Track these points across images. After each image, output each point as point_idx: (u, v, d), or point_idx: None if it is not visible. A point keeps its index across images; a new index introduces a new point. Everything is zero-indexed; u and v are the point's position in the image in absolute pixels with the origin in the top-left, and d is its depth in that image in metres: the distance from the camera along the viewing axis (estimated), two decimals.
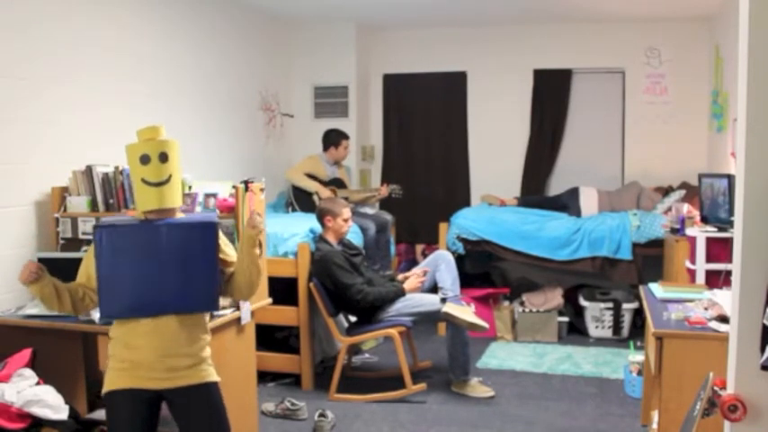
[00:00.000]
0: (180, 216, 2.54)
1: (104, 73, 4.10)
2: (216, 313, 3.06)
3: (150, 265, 2.41)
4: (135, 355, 2.41)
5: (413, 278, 4.48)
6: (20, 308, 3.39)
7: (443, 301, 4.31)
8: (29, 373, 2.93)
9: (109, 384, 2.44)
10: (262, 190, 3.62)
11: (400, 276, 4.61)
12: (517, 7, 5.84)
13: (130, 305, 2.41)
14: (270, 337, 4.82)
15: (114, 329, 2.49)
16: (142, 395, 2.42)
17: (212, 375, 2.53)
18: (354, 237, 4.91)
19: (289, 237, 4.61)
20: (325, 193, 5.41)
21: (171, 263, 2.42)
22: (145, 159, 2.40)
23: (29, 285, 2.48)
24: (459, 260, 5.30)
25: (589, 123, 6.51)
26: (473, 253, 5.72)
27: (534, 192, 6.45)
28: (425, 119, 6.84)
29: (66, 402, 2.93)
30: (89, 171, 3.66)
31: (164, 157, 2.42)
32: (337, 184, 5.63)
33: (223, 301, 3.09)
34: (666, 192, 5.83)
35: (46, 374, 3.01)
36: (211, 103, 5.24)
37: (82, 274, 2.54)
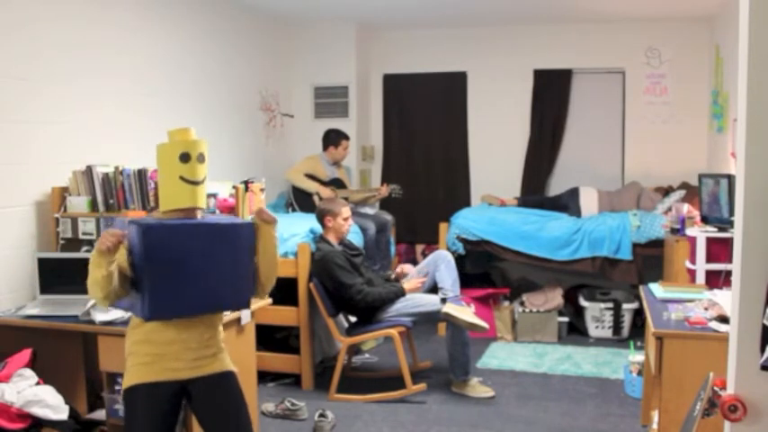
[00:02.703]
0: (199, 216, 2.56)
1: (104, 73, 4.10)
2: None
3: (194, 266, 2.42)
4: (159, 349, 2.44)
5: (413, 279, 4.48)
6: (20, 308, 3.39)
7: (443, 301, 4.31)
8: (29, 373, 2.93)
9: (131, 379, 2.44)
10: (262, 190, 3.62)
11: (397, 269, 4.59)
12: (517, 7, 5.84)
13: (177, 305, 2.41)
14: (270, 337, 4.82)
15: (132, 329, 2.49)
16: (166, 388, 2.44)
17: (232, 365, 2.61)
18: (354, 237, 4.91)
19: (289, 237, 4.61)
20: (326, 192, 5.41)
21: (214, 263, 2.45)
22: (185, 158, 2.43)
23: (104, 254, 2.28)
24: (460, 260, 5.30)
25: (589, 123, 6.51)
26: (473, 253, 5.72)
27: (534, 192, 6.45)
28: (425, 119, 6.84)
29: (67, 402, 2.94)
30: (89, 171, 3.66)
31: (201, 158, 2.48)
32: (337, 184, 5.63)
33: None
34: (666, 192, 5.83)
35: (46, 374, 3.02)
36: (211, 103, 5.24)
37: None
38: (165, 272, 2.37)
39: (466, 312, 4.26)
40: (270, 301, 3.76)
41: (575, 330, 5.69)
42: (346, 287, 4.27)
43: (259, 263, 2.62)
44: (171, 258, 2.37)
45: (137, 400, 2.43)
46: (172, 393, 2.46)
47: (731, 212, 3.89)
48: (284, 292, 4.45)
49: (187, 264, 2.41)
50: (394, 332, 4.24)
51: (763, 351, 1.48)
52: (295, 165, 5.80)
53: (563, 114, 6.52)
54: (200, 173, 2.47)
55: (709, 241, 3.94)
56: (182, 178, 2.43)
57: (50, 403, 2.85)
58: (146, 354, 2.44)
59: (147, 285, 2.35)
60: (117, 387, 3.06)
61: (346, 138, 5.68)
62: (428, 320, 4.50)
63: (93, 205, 3.66)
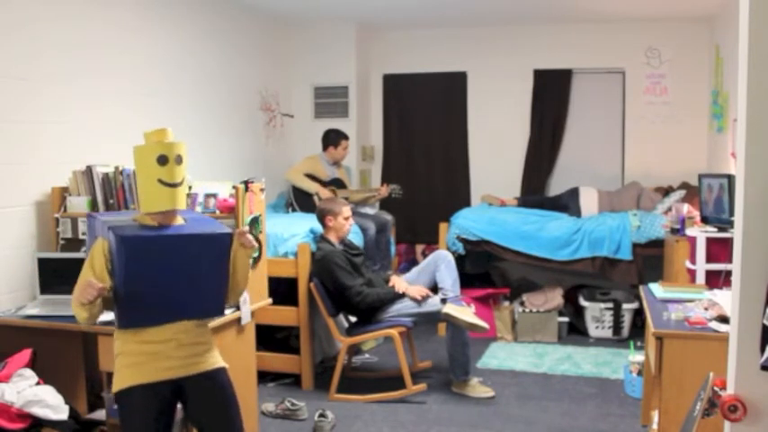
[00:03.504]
0: (178, 218, 2.56)
1: (104, 73, 4.10)
2: None
3: (170, 276, 2.43)
4: (153, 348, 2.43)
5: (415, 286, 4.45)
6: (20, 308, 3.39)
7: (443, 301, 4.31)
8: (29, 373, 2.93)
9: (122, 382, 2.42)
10: (262, 190, 3.62)
11: (392, 279, 4.55)
12: (517, 7, 5.84)
13: (151, 314, 2.43)
14: (270, 337, 4.82)
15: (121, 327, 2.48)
16: (160, 388, 2.43)
17: (222, 361, 2.62)
18: (354, 237, 4.91)
19: (289, 237, 4.61)
20: (326, 193, 5.40)
21: (189, 272, 2.46)
22: (163, 160, 2.41)
23: (86, 304, 2.34)
24: (460, 260, 5.30)
25: (589, 123, 6.51)
26: (473, 253, 5.71)
27: (534, 192, 6.46)
28: (425, 119, 6.84)
29: (66, 402, 2.94)
30: (89, 171, 3.66)
31: (179, 160, 2.45)
32: (337, 184, 5.62)
33: None
34: (666, 192, 5.83)
35: (46, 374, 3.02)
36: (211, 103, 5.24)
37: (92, 277, 2.39)
38: (142, 282, 2.38)
39: (466, 312, 4.25)
40: (270, 301, 3.76)
41: (575, 330, 5.69)
42: (346, 288, 4.27)
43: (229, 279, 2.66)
44: (148, 269, 2.38)
45: (132, 403, 2.41)
46: (167, 393, 2.45)
47: (731, 212, 3.89)
48: (284, 292, 4.46)
49: (164, 274, 2.42)
50: (394, 332, 4.24)
51: (763, 351, 1.48)
52: (295, 165, 5.80)
53: (563, 114, 6.52)
54: (179, 175, 2.45)
55: (709, 241, 3.94)
56: (160, 181, 2.42)
57: (50, 403, 2.85)
58: (139, 353, 2.42)
59: (122, 295, 2.37)
60: None
61: (346, 138, 5.68)
62: (428, 320, 4.50)
63: (93, 205, 3.66)
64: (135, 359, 2.42)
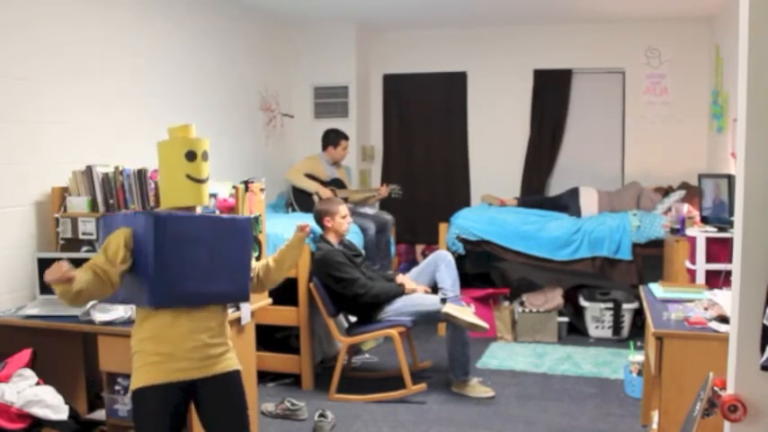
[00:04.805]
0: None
1: (104, 73, 4.10)
2: None
3: (200, 256, 2.46)
4: (168, 347, 2.42)
5: (418, 285, 4.47)
6: (20, 308, 3.39)
7: (443, 301, 4.31)
8: (29, 373, 2.93)
9: (139, 381, 2.43)
10: (262, 190, 3.62)
11: (399, 277, 4.58)
12: (517, 7, 5.84)
13: (181, 294, 2.43)
14: (270, 337, 4.82)
15: (139, 324, 2.47)
16: (176, 389, 2.43)
17: (238, 363, 2.62)
18: (354, 237, 4.91)
19: (289, 237, 4.59)
20: (326, 192, 5.41)
21: (217, 254, 2.50)
22: (191, 156, 2.47)
23: (55, 285, 2.26)
24: (460, 260, 5.30)
25: (589, 123, 6.51)
26: (473, 253, 5.71)
27: (534, 192, 6.46)
28: (425, 119, 6.84)
29: (66, 402, 2.94)
30: (89, 171, 3.65)
31: (206, 156, 2.52)
32: (337, 184, 5.63)
33: None
34: (666, 192, 5.83)
35: (46, 374, 3.02)
36: (211, 104, 5.24)
37: (103, 259, 2.35)
38: (172, 261, 2.39)
39: (466, 312, 4.25)
40: (270, 301, 3.76)
41: (575, 330, 5.69)
42: (350, 282, 4.26)
43: (276, 268, 2.77)
44: (181, 248, 2.40)
45: (146, 402, 2.42)
46: (182, 394, 2.46)
47: (731, 212, 3.89)
48: (284, 292, 4.45)
49: (192, 254, 2.44)
50: (394, 332, 4.24)
51: (763, 351, 1.48)
52: (295, 165, 5.80)
53: (563, 114, 6.52)
54: (205, 171, 2.51)
55: (709, 241, 3.94)
56: (189, 177, 2.46)
57: (50, 403, 2.85)
58: (155, 353, 2.42)
59: (152, 273, 2.36)
60: (117, 387, 3.06)
61: (345, 138, 5.68)
62: (428, 320, 4.50)
63: (93, 205, 3.66)
64: (151, 359, 2.42)
